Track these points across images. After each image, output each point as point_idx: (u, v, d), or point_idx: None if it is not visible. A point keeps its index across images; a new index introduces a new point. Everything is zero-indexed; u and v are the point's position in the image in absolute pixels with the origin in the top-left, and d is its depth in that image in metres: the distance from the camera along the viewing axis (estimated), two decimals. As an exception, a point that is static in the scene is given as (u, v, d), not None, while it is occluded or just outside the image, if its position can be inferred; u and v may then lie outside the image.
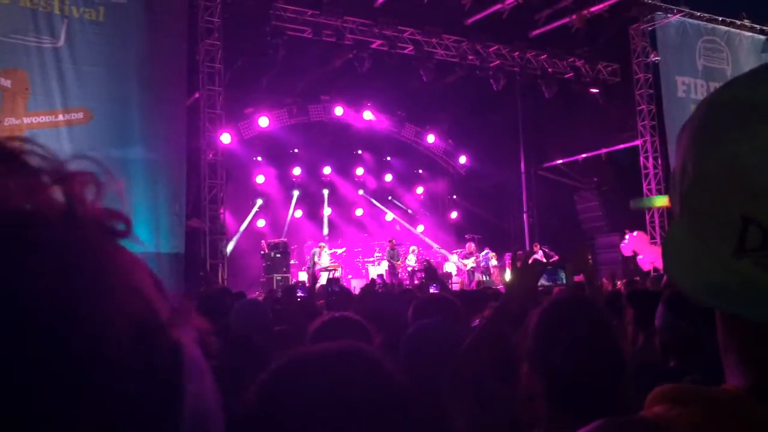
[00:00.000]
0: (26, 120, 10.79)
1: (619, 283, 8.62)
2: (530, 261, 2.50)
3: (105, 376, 0.41)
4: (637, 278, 9.32)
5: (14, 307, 0.39)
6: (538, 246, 16.05)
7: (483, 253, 17.04)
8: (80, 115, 11.18)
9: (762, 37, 18.40)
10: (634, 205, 16.64)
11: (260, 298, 8.18)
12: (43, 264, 0.41)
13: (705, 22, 17.46)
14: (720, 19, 17.74)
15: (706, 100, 0.71)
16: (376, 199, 20.40)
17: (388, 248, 17.03)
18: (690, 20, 17.14)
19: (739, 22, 18.06)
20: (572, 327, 1.92)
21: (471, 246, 17.27)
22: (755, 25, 18.34)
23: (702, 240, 0.67)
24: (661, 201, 16.05)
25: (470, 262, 16.88)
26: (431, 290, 5.52)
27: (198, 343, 0.49)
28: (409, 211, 20.94)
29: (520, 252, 2.42)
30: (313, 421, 0.80)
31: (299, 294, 5.86)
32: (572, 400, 1.79)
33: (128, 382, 0.41)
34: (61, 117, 11.05)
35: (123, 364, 0.41)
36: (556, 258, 14.82)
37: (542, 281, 2.48)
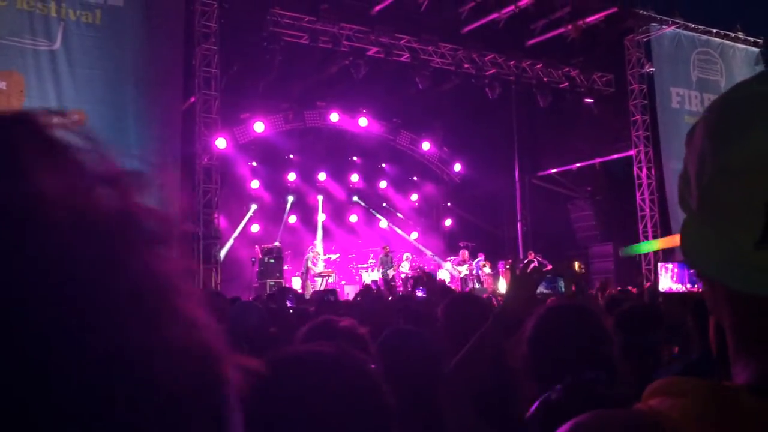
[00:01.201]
0: (21, 122, 10.75)
1: (614, 291, 8.63)
2: (530, 269, 2.51)
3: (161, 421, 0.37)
4: (633, 288, 9.35)
5: (65, 346, 0.35)
6: (533, 254, 16.07)
7: (476, 260, 17.06)
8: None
9: (755, 49, 18.53)
10: (622, 254, 16.64)
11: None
12: (91, 292, 0.36)
13: (699, 34, 17.58)
14: (714, 31, 17.87)
15: (719, 100, 0.73)
16: (370, 206, 20.39)
17: (382, 255, 17.02)
18: (684, 32, 17.26)
19: (733, 35, 18.19)
20: (567, 333, 1.93)
21: (465, 254, 17.28)
22: (749, 38, 18.48)
23: (723, 233, 0.69)
24: (649, 246, 16.03)
25: (464, 270, 16.89)
26: (418, 293, 5.54)
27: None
28: (403, 217, 20.93)
29: (521, 262, 2.44)
30: (288, 422, 0.80)
31: (289, 305, 5.84)
32: (564, 403, 1.80)
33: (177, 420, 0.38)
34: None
35: (175, 401, 0.38)
36: (549, 267, 14.84)
37: (541, 289, 2.49)
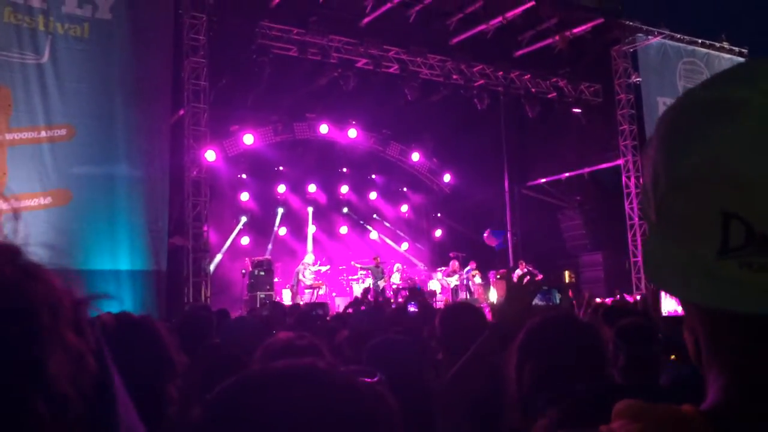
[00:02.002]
0: (8, 136, 10.70)
1: (604, 301, 8.63)
2: (525, 281, 2.50)
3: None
4: (626, 296, 9.36)
5: None
6: (524, 264, 16.09)
7: (466, 270, 17.05)
8: (63, 132, 11.11)
9: (740, 59, 18.73)
10: None
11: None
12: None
13: (685, 44, 17.77)
14: (700, 41, 18.06)
15: (668, 111, 0.72)
16: (360, 217, 20.38)
17: (372, 266, 16.99)
18: (670, 42, 17.44)
19: (718, 45, 18.40)
20: (554, 343, 1.92)
21: (455, 264, 17.27)
22: (734, 48, 18.69)
23: (683, 245, 0.68)
24: None
25: (454, 280, 16.88)
26: (410, 308, 5.52)
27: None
28: (394, 228, 20.92)
29: (512, 272, 2.44)
30: None
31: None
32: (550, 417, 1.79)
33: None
34: (43, 133, 10.96)
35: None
36: (540, 277, 14.84)
37: (536, 301, 2.48)
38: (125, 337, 1.63)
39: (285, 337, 2.33)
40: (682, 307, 0.75)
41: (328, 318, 6.28)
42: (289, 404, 0.77)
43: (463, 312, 3.25)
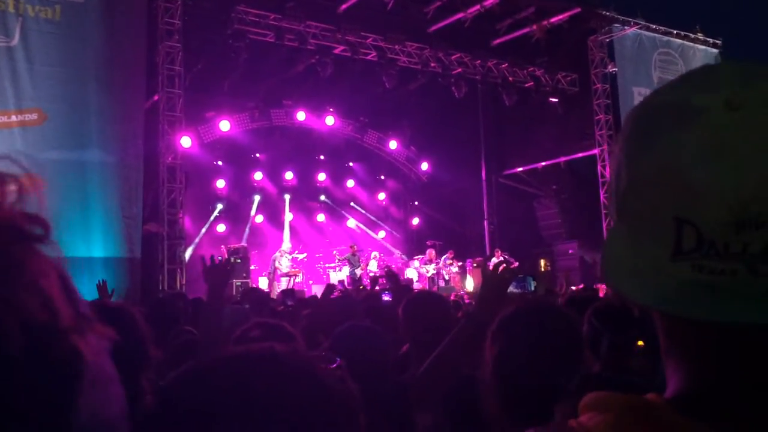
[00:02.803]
0: (-23, 120, 10.47)
1: (574, 288, 8.72)
2: (500, 269, 2.50)
3: None
4: (599, 286, 9.44)
5: None
6: (499, 252, 16.19)
7: (443, 258, 17.12)
8: (34, 116, 10.89)
9: (714, 50, 18.96)
10: None
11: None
12: None
13: (660, 35, 17.93)
14: (675, 32, 18.23)
15: (634, 109, 0.73)
16: (337, 205, 20.34)
17: (349, 254, 16.98)
18: (646, 33, 17.57)
19: (693, 36, 18.59)
20: (528, 330, 1.92)
21: (431, 252, 17.32)
22: (708, 39, 18.90)
23: (639, 245, 0.69)
24: None
25: (431, 269, 16.93)
26: (384, 297, 5.51)
27: (108, 352, 0.48)
28: (371, 216, 20.92)
29: (489, 261, 2.44)
30: (213, 427, 0.72)
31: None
32: (525, 404, 1.79)
33: (19, 383, 0.41)
34: (14, 118, 10.74)
35: (15, 363, 0.40)
36: (515, 265, 14.97)
37: (511, 289, 2.49)
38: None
39: (259, 323, 2.32)
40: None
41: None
42: (242, 388, 0.75)
43: (426, 302, 3.24)
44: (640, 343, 2.45)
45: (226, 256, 15.10)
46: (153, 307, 4.06)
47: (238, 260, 15.10)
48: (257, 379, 0.77)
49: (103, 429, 0.44)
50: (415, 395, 2.48)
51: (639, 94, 16.91)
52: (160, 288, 11.75)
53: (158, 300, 5.15)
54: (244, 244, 16.50)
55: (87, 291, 7.00)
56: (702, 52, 18.67)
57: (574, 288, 8.84)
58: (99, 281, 4.94)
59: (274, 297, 10.98)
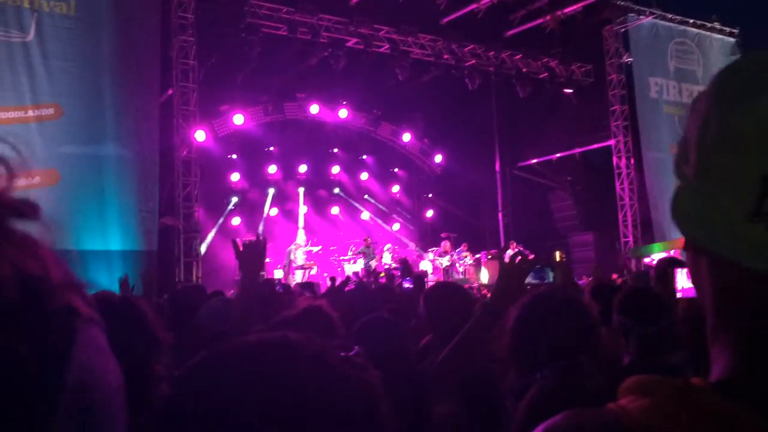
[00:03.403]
0: (-5, 115, 10.57)
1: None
2: (518, 260, 2.50)
3: None
4: (615, 276, 9.41)
5: None
6: (514, 244, 16.13)
7: (457, 250, 17.10)
8: (51, 111, 10.98)
9: (731, 39, 18.71)
10: (631, 255, 16.46)
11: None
12: None
13: (676, 24, 17.71)
14: (691, 21, 18.01)
15: (730, 65, 0.72)
16: (351, 198, 20.35)
17: (363, 246, 17.00)
18: (662, 22, 17.37)
19: (709, 25, 18.35)
20: (548, 323, 1.92)
21: (446, 244, 17.30)
22: (725, 28, 18.65)
23: (717, 201, 0.67)
24: (659, 248, 15.96)
25: (445, 261, 16.91)
26: (405, 285, 5.52)
27: (99, 324, 0.49)
28: (385, 209, 20.93)
29: (504, 252, 2.44)
30: (227, 416, 0.72)
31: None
32: (544, 395, 1.79)
33: (16, 329, 0.41)
34: (30, 113, 10.83)
35: (12, 309, 0.41)
36: (531, 257, 14.91)
37: (530, 280, 2.48)
38: (106, 317, 1.61)
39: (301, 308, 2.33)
40: (694, 266, 0.74)
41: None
42: (256, 376, 0.75)
43: (448, 292, 3.24)
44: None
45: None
46: (174, 298, 4.09)
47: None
48: (270, 368, 0.77)
49: (85, 392, 0.44)
50: (432, 385, 2.48)
51: (655, 84, 16.75)
52: (177, 280, 11.83)
53: (179, 291, 5.18)
54: (260, 235, 16.55)
55: (105, 283, 7.06)
56: (719, 41, 18.43)
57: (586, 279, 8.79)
58: (121, 276, 4.97)
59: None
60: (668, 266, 2.61)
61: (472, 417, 2.47)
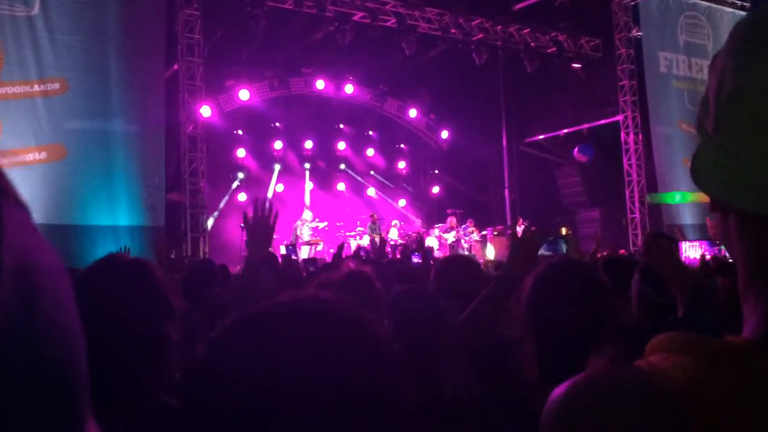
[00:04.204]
0: (0, 90, 10.53)
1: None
2: (531, 232, 2.49)
3: None
4: (623, 252, 9.40)
5: None
6: (522, 221, 16.09)
7: (463, 227, 17.09)
8: (56, 86, 10.93)
9: (742, 13, 18.44)
10: (650, 201, 16.42)
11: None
12: None
13: (687, -2, 17.47)
14: (702, -6, 17.76)
15: (745, 20, 0.70)
16: (357, 174, 20.32)
17: (369, 223, 17.01)
18: (672, -5, 17.14)
19: (720, -2, 18.10)
20: (565, 288, 1.91)
21: (452, 220, 17.29)
22: (736, 1, 18.38)
23: (738, 154, 0.65)
24: (679, 198, 15.89)
25: (451, 237, 16.91)
26: (414, 259, 5.52)
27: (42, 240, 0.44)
28: (391, 185, 20.90)
29: (513, 227, 2.42)
30: (263, 374, 0.72)
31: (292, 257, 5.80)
32: (562, 362, 1.78)
33: None
34: (36, 87, 10.79)
35: None
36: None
37: (543, 251, 2.47)
38: (118, 278, 1.60)
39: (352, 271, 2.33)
40: (723, 224, 0.72)
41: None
42: (291, 336, 0.75)
43: (459, 265, 3.23)
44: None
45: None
46: (186, 272, 4.10)
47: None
48: (304, 329, 0.77)
49: (32, 277, 0.40)
50: (444, 356, 2.48)
51: (665, 58, 16.56)
52: (184, 256, 11.87)
53: (190, 264, 5.19)
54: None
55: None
56: (730, 15, 18.17)
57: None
58: (121, 247, 5.00)
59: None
60: (654, 240, 2.61)
61: (485, 387, 2.47)
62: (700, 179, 0.70)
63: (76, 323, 0.43)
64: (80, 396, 0.41)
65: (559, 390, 0.70)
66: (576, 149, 17.35)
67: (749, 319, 0.68)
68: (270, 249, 2.72)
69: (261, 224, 2.70)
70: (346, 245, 11.24)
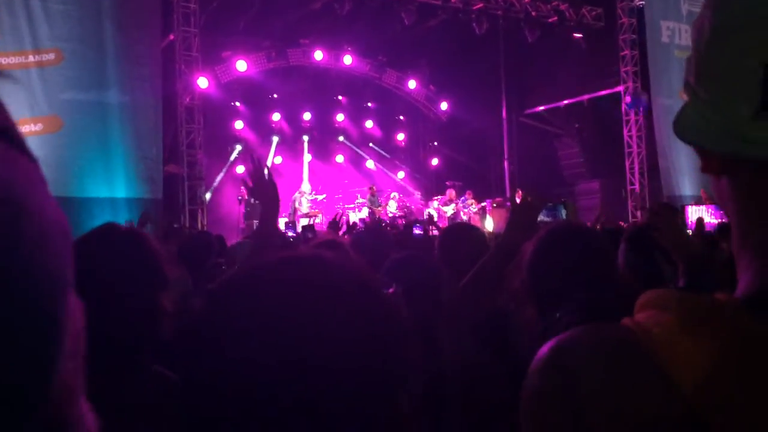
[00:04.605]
0: (-6, 60, 10.41)
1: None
2: (530, 198, 2.46)
3: None
4: (622, 223, 9.40)
5: None
6: (521, 192, 16.03)
7: (462, 198, 17.06)
8: (51, 56, 10.79)
9: (746, -19, 18.20)
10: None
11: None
12: None
13: (690, -34, 17.21)
14: (705, -38, 17.48)
15: None
16: (356, 146, 20.22)
17: (368, 195, 16.98)
18: (675, -37, 16.88)
19: (724, -34, 17.83)
20: (565, 255, 1.88)
21: (451, 193, 17.26)
22: (740, -31, 18.13)
23: (720, 103, 0.63)
24: None
25: (450, 209, 16.89)
26: (415, 230, 5.51)
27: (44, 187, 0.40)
28: (390, 157, 20.82)
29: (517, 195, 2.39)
30: (259, 327, 0.70)
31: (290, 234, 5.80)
32: (564, 326, 1.76)
33: None
34: (31, 58, 10.66)
35: None
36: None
37: (542, 217, 2.43)
38: (113, 246, 1.58)
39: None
40: (716, 183, 0.69)
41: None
42: (290, 293, 0.73)
43: (463, 232, 3.22)
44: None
45: (246, 197, 15.13)
46: (185, 243, 4.08)
47: (257, 201, 15.07)
48: (305, 282, 0.74)
49: (13, 211, 0.36)
50: (445, 322, 2.46)
51: (667, 28, 16.36)
52: (181, 227, 11.85)
53: (189, 235, 5.18)
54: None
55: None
56: (733, -17, 17.92)
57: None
58: (126, 221, 4.96)
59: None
60: (658, 209, 2.58)
61: (485, 354, 2.46)
62: (681, 130, 0.68)
63: (65, 277, 0.39)
64: (54, 349, 0.37)
65: (543, 348, 0.69)
66: (627, 99, 16.92)
67: (743, 277, 0.66)
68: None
69: (263, 184, 2.66)
70: (345, 217, 11.22)
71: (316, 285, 0.74)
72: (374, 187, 17.27)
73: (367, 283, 0.78)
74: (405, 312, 0.81)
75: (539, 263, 1.87)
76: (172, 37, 12.85)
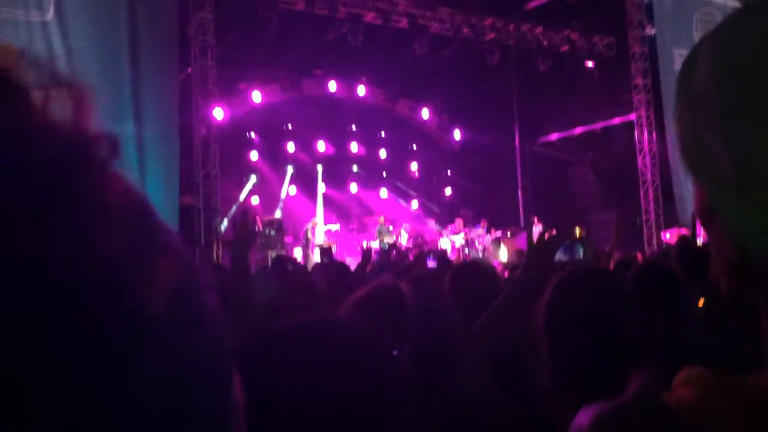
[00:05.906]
0: (15, 96, 10.60)
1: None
2: (547, 236, 2.46)
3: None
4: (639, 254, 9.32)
5: None
6: (536, 220, 15.98)
7: (476, 227, 17.00)
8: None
9: (758, 9, 18.25)
10: None
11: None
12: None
13: (701, -6, 17.31)
14: (716, -9, 17.59)
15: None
16: (370, 175, 20.31)
17: (378, 226, 16.88)
18: (686, -8, 16.99)
19: (735, -5, 17.93)
20: (582, 300, 1.87)
21: (460, 222, 17.17)
22: (751, -3, 18.20)
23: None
24: None
25: (459, 239, 16.79)
26: (429, 263, 5.50)
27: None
28: (404, 187, 20.87)
29: (526, 228, 2.39)
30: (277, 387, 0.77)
31: (290, 267, 5.80)
32: (577, 377, 1.74)
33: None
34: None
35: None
36: (553, 232, 14.79)
37: (559, 255, 2.42)
38: None
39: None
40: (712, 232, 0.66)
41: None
42: (302, 356, 0.79)
43: (475, 270, 3.20)
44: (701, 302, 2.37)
45: (261, 228, 15.18)
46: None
47: (272, 232, 15.17)
48: (316, 350, 0.81)
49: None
50: (460, 361, 2.45)
51: (680, 56, 16.38)
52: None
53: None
54: (278, 215, 16.58)
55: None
56: (745, 11, 17.99)
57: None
58: None
59: (309, 269, 11.02)
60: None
61: (500, 392, 2.44)
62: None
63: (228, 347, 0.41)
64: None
65: (584, 416, 0.67)
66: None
67: None
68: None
69: (242, 235, 2.82)
70: (374, 255, 11.24)
71: (328, 351, 0.81)
72: (383, 218, 17.26)
73: (377, 345, 0.85)
74: (407, 369, 0.90)
75: (552, 308, 1.85)
76: (189, 69, 13.07)
